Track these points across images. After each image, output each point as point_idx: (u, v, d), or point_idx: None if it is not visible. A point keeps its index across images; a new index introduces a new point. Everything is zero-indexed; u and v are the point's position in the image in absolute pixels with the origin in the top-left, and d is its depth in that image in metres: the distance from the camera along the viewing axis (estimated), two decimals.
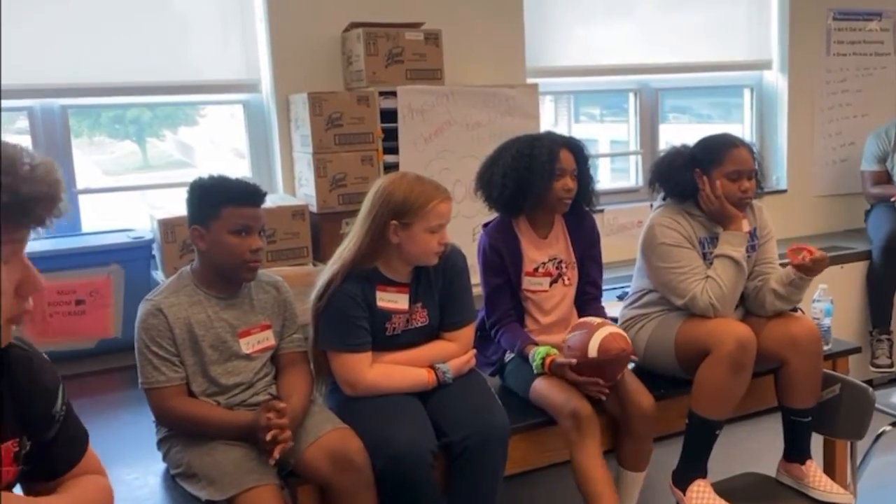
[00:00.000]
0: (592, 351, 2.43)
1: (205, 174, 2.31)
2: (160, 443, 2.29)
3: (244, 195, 2.26)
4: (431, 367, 2.40)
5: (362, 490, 2.16)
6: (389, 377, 2.35)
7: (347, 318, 2.32)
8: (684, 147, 2.83)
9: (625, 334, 2.53)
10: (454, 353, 2.45)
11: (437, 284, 2.46)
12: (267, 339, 2.35)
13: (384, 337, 2.39)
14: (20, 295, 1.20)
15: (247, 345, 2.30)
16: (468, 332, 2.51)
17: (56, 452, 1.44)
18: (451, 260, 2.47)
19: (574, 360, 2.46)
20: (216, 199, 2.23)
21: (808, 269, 2.61)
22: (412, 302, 2.42)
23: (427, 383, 2.38)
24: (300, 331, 2.44)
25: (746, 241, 2.73)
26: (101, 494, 1.45)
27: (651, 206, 2.91)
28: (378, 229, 2.32)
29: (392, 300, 2.39)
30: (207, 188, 2.27)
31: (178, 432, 2.23)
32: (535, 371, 2.56)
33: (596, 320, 2.56)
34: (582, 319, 2.65)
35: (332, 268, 2.37)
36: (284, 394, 2.30)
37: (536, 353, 2.56)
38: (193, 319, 2.23)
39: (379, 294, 2.37)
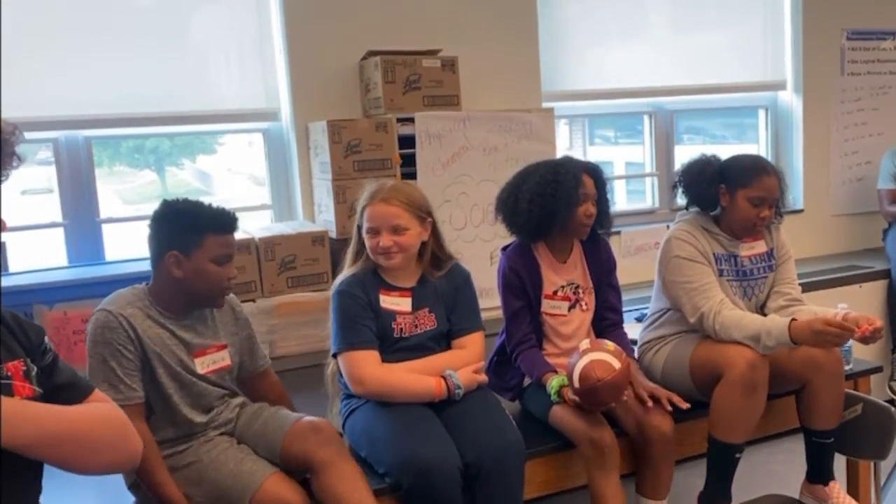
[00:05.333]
0: (576, 381, 2.41)
1: (174, 199, 2.24)
2: (132, 488, 2.23)
3: (226, 223, 2.21)
4: (442, 377, 2.41)
5: (345, 460, 2.17)
6: (397, 374, 2.38)
7: (351, 318, 2.39)
8: (715, 159, 2.83)
9: (610, 360, 2.39)
10: (463, 360, 2.46)
11: (442, 292, 2.51)
12: (223, 358, 2.32)
13: (393, 338, 2.43)
14: None
15: (201, 364, 2.25)
16: (476, 339, 2.53)
17: (66, 381, 1.48)
18: (456, 272, 2.55)
19: (577, 398, 2.45)
20: (199, 227, 2.17)
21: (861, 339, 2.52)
22: (417, 306, 2.46)
23: (435, 389, 2.37)
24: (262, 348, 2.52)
25: (787, 343, 2.54)
26: (114, 412, 1.47)
27: (668, 226, 2.92)
28: (357, 234, 2.49)
29: (395, 303, 2.45)
30: (188, 214, 2.19)
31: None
32: (552, 400, 2.56)
33: (584, 345, 2.49)
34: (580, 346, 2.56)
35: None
36: (273, 400, 2.43)
37: (551, 386, 2.54)
38: (151, 333, 2.16)
39: (382, 297, 2.44)
